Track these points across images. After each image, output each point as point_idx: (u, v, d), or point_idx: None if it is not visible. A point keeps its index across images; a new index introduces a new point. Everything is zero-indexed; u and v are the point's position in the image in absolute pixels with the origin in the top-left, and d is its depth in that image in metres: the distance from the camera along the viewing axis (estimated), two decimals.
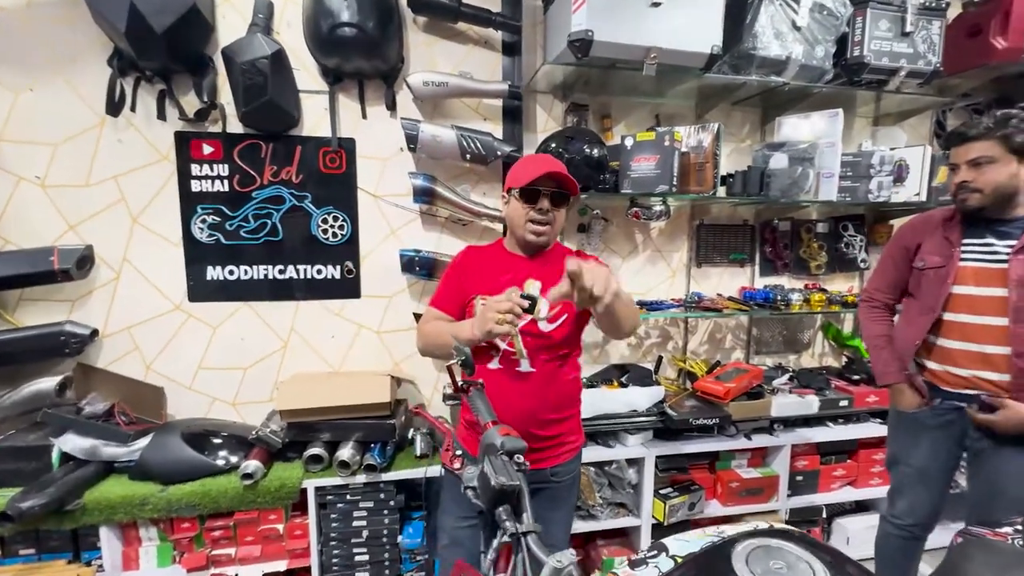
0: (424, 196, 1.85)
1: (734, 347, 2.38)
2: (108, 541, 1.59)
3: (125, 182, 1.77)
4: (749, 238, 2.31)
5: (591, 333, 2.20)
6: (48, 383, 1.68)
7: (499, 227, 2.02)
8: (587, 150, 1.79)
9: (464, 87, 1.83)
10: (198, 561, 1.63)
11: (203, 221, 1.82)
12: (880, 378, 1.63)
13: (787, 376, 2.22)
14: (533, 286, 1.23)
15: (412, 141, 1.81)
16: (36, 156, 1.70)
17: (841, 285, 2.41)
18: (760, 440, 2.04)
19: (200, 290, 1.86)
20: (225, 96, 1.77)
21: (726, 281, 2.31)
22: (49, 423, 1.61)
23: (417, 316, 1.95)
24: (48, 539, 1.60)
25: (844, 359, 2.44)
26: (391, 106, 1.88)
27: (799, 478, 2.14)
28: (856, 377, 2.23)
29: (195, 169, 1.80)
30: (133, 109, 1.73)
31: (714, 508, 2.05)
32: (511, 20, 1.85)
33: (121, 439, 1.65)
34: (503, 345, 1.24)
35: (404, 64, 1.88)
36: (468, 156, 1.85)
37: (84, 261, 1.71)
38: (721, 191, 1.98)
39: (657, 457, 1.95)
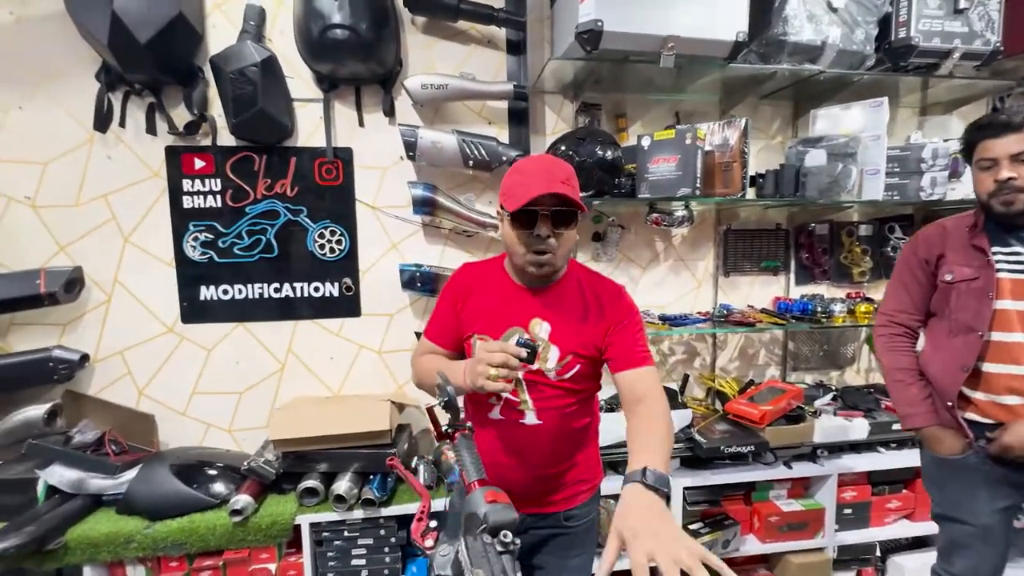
0: (424, 207, 1.73)
1: (768, 363, 2.17)
2: None
3: (115, 200, 1.70)
4: (783, 244, 2.11)
5: None
6: (37, 411, 1.60)
7: None
8: (600, 152, 1.63)
9: (466, 89, 1.71)
10: None
11: (195, 239, 1.74)
12: (908, 421, 1.37)
13: (830, 396, 2.00)
14: (540, 328, 1.05)
15: (411, 148, 1.69)
16: (26, 175, 1.65)
17: None
18: (802, 469, 1.83)
19: (193, 311, 1.77)
20: (216, 108, 1.69)
21: (757, 291, 2.11)
22: (34, 455, 1.54)
23: (419, 335, 1.82)
24: None
25: None
26: (389, 112, 1.77)
27: (847, 511, 1.91)
28: None
29: (187, 185, 1.72)
30: (122, 124, 1.66)
31: (751, 545, 1.84)
32: (515, 16, 1.72)
33: (108, 471, 1.56)
34: (506, 394, 1.04)
35: (402, 68, 1.77)
36: (471, 163, 1.71)
37: (73, 284, 1.64)
38: (750, 193, 1.79)
39: (685, 488, 1.75)
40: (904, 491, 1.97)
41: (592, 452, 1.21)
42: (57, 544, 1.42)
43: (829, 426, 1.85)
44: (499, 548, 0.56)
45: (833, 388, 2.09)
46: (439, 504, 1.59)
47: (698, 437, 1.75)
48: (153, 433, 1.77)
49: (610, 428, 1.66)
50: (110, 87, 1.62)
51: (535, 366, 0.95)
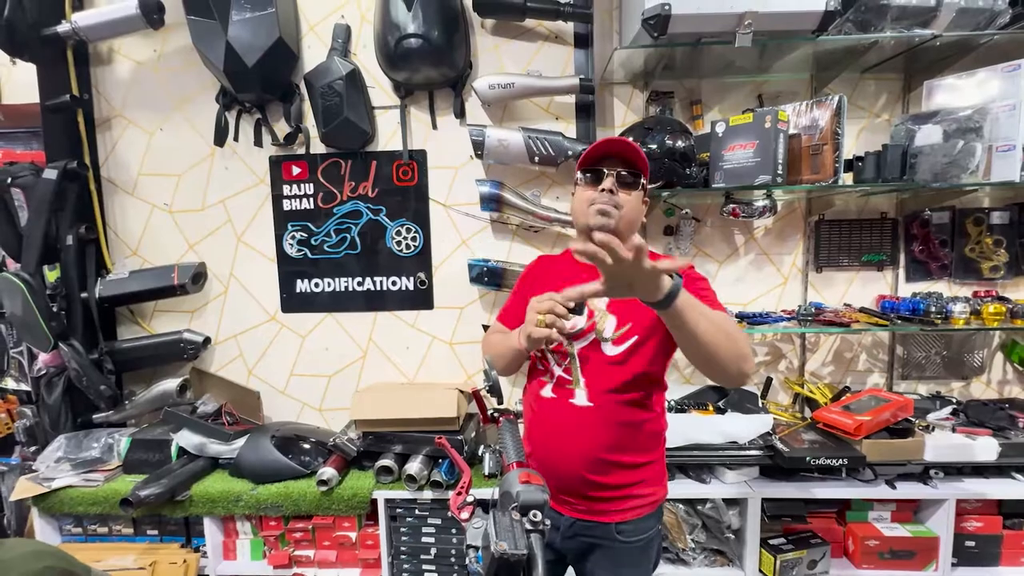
0: (491, 203, 1.78)
1: (870, 370, 1.93)
2: (211, 531, 1.75)
3: (231, 204, 1.97)
4: (889, 235, 1.87)
5: None
6: (171, 384, 1.91)
7: (571, 232, 1.87)
8: (669, 142, 1.57)
9: (531, 86, 1.73)
10: (282, 559, 1.72)
11: (293, 237, 1.95)
12: None
13: (949, 409, 1.73)
14: (574, 291, 1.07)
15: (479, 147, 1.75)
16: (165, 186, 1.97)
17: None
18: (908, 490, 1.61)
19: (291, 302, 1.99)
20: (310, 119, 1.88)
21: (857, 288, 1.89)
22: (169, 420, 1.83)
23: (486, 327, 1.88)
24: (167, 523, 1.80)
25: None
26: (460, 113, 1.85)
27: (969, 543, 1.64)
28: None
29: (286, 189, 1.94)
30: (236, 139, 1.92)
31: (845, 569, 1.66)
32: (581, 9, 1.71)
33: (224, 438, 1.81)
34: (558, 371, 1.07)
35: (472, 70, 1.84)
36: (536, 158, 1.74)
37: (198, 277, 1.93)
38: (847, 178, 1.62)
39: (764, 500, 1.63)
40: None
41: (656, 461, 1.15)
42: (184, 496, 1.68)
43: (945, 444, 1.60)
44: (528, 526, 0.58)
45: (954, 400, 1.81)
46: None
47: (780, 445, 1.61)
48: (259, 408, 2.02)
49: (679, 429, 1.60)
50: (227, 107, 1.88)
51: (601, 335, 0.95)
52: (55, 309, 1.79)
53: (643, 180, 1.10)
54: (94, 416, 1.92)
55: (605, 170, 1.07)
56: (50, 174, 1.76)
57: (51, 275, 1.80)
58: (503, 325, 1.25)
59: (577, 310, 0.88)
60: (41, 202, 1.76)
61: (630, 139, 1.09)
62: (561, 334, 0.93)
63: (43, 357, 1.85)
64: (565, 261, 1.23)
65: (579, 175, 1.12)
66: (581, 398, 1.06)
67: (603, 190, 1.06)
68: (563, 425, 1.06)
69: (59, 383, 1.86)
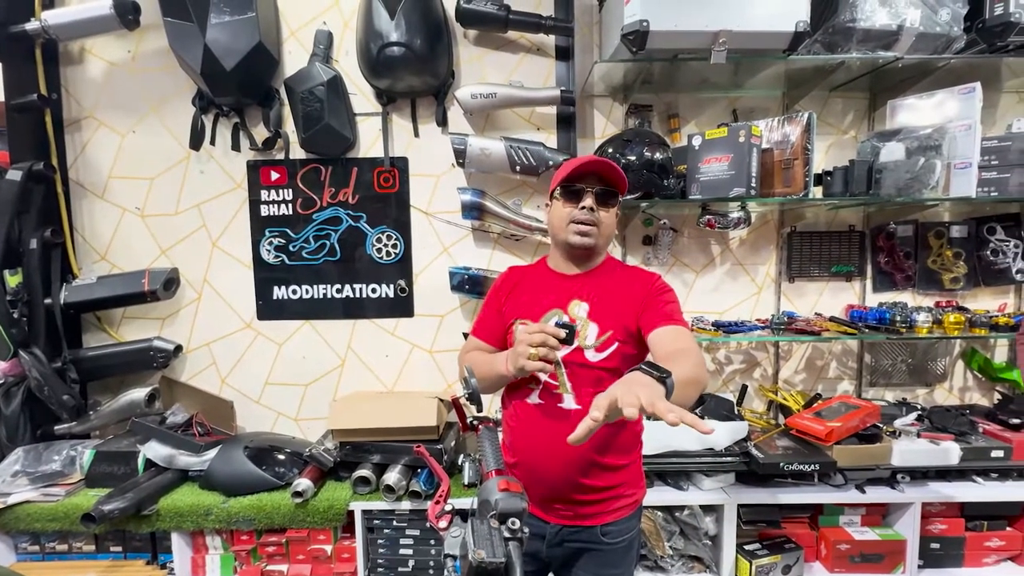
0: (473, 211, 1.79)
1: (840, 377, 2.00)
2: (179, 547, 1.68)
3: (206, 209, 1.93)
4: (857, 247, 1.94)
5: None
6: (139, 394, 1.84)
7: None
8: (647, 153, 1.60)
9: (513, 96, 1.75)
10: (253, 575, 1.66)
11: (270, 243, 1.92)
12: None
13: (914, 415, 1.80)
14: (579, 308, 1.10)
15: (460, 156, 1.76)
16: (137, 190, 1.91)
17: (989, 302, 1.93)
18: (877, 494, 1.66)
19: (267, 309, 1.95)
20: (289, 124, 1.86)
21: (827, 298, 1.95)
22: (136, 431, 1.77)
23: (467, 335, 1.88)
24: (133, 539, 1.72)
25: (997, 396, 1.93)
26: (442, 122, 1.86)
27: (935, 545, 1.70)
28: (1016, 421, 1.74)
29: (264, 195, 1.91)
30: (212, 143, 1.88)
31: (818, 573, 1.70)
32: (563, 23, 1.74)
33: (194, 449, 1.75)
34: (545, 377, 1.09)
35: (455, 79, 1.85)
36: (518, 168, 1.75)
37: (170, 283, 1.87)
38: (817, 191, 1.68)
39: (740, 506, 1.65)
40: (1009, 529, 1.72)
41: (635, 462, 1.18)
42: (151, 511, 1.62)
43: (911, 449, 1.66)
44: (506, 534, 0.58)
45: (919, 407, 1.88)
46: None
47: (755, 451, 1.65)
48: (232, 418, 1.96)
49: (658, 436, 1.62)
50: (203, 110, 1.84)
51: (574, 344, 1.00)
52: (16, 315, 1.71)
53: (620, 198, 1.14)
54: (56, 427, 1.84)
55: (586, 187, 1.09)
56: (14, 175, 1.69)
57: (12, 279, 1.73)
58: (480, 340, 1.25)
59: (568, 339, 0.92)
60: (4, 203, 1.69)
61: (608, 157, 1.14)
62: (548, 361, 0.97)
63: (1, 366, 1.77)
64: (538, 271, 1.23)
65: (557, 190, 1.14)
66: (570, 402, 1.08)
67: (584, 208, 1.08)
68: (553, 429, 1.07)
69: (18, 393, 1.78)
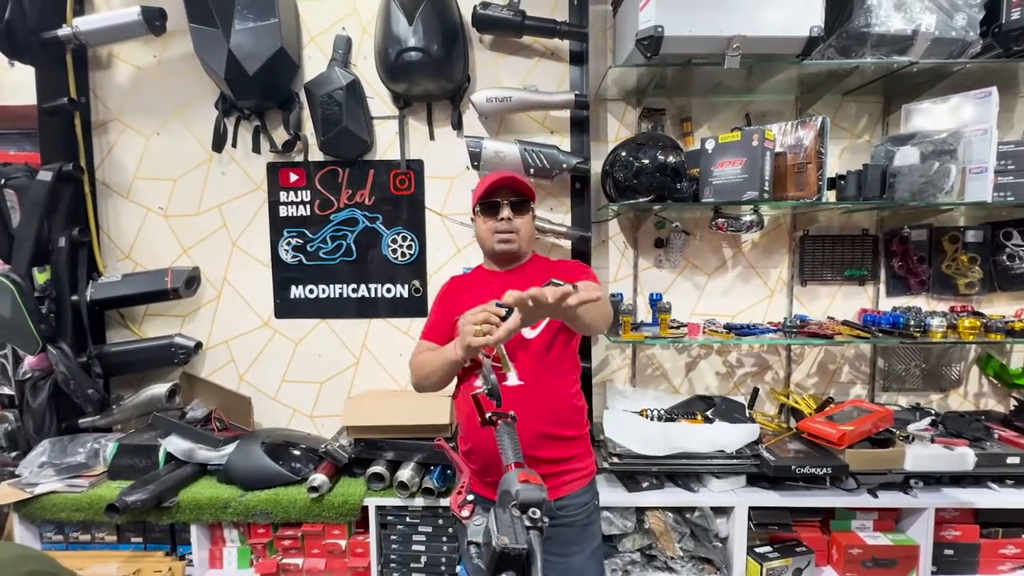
0: None
1: (852, 381, 1.99)
2: (198, 538, 1.72)
3: (227, 210, 1.97)
4: (871, 251, 1.94)
5: (671, 359, 1.99)
6: (160, 389, 1.89)
7: (565, 243, 1.91)
8: (660, 157, 1.62)
9: (528, 100, 1.78)
10: (269, 568, 1.69)
11: (288, 243, 1.96)
12: None
13: (928, 421, 1.79)
14: (512, 296, 1.14)
15: (475, 158, 1.78)
16: (160, 190, 1.97)
17: (1005, 308, 1.91)
18: (890, 499, 1.65)
19: (285, 308, 1.99)
20: (308, 127, 1.90)
21: (840, 302, 1.95)
22: (157, 426, 1.81)
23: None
24: (152, 530, 1.77)
25: (1013, 403, 1.92)
26: (457, 125, 1.89)
27: (948, 552, 1.69)
28: None
29: (283, 196, 1.95)
30: (234, 145, 1.93)
31: None
32: (577, 28, 1.76)
33: (213, 444, 1.79)
34: (488, 361, 1.18)
35: (470, 83, 1.88)
36: (532, 170, 1.78)
37: (191, 281, 1.92)
38: (830, 195, 1.68)
39: (751, 508, 1.66)
40: None
41: (584, 436, 1.31)
42: (171, 503, 1.66)
43: (924, 454, 1.65)
44: (527, 523, 0.60)
45: (933, 412, 1.87)
46: None
47: (766, 454, 1.65)
48: (250, 414, 2.00)
49: (667, 437, 1.63)
50: (226, 113, 1.89)
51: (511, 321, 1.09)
52: (44, 311, 1.77)
53: (532, 204, 1.34)
54: (80, 421, 1.89)
55: (501, 200, 1.28)
56: (45, 176, 1.75)
57: (41, 277, 1.79)
58: (430, 342, 1.33)
59: (507, 317, 0.99)
60: (34, 204, 1.75)
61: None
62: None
63: (29, 360, 1.83)
64: (476, 276, 1.41)
65: (478, 207, 1.32)
66: (513, 379, 1.20)
67: (502, 219, 1.28)
68: (504, 407, 1.14)
69: (45, 387, 1.84)
